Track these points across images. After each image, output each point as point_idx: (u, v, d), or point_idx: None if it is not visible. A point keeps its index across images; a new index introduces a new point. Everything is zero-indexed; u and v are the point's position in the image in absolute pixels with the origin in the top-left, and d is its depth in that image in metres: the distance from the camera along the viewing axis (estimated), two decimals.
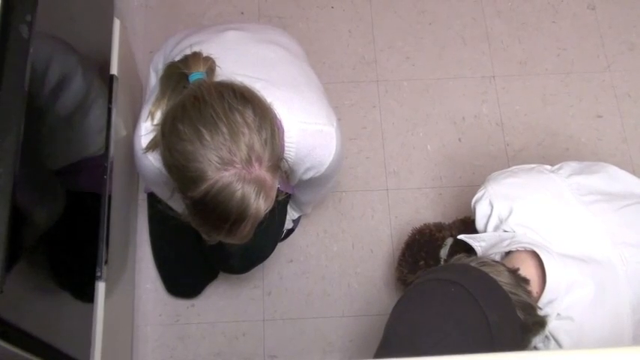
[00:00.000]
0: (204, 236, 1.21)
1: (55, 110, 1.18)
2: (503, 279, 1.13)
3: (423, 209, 1.98)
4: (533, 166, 1.42)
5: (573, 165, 1.40)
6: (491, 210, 1.32)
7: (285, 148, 1.32)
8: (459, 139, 2.07)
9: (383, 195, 2.00)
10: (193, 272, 1.84)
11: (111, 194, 1.47)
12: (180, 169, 1.10)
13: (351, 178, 2.00)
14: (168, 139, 1.13)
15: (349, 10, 2.21)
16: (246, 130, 1.08)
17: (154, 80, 1.61)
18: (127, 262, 1.75)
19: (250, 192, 1.08)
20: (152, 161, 1.30)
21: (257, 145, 1.09)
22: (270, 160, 1.11)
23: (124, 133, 1.68)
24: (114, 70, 1.59)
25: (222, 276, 1.87)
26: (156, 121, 1.24)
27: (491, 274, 1.12)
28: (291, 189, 1.70)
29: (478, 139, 2.07)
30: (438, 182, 2.01)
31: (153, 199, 1.85)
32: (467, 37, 2.20)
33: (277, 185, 1.18)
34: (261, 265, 1.88)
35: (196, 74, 1.18)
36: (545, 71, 2.17)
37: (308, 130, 1.34)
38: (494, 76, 2.16)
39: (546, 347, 1.19)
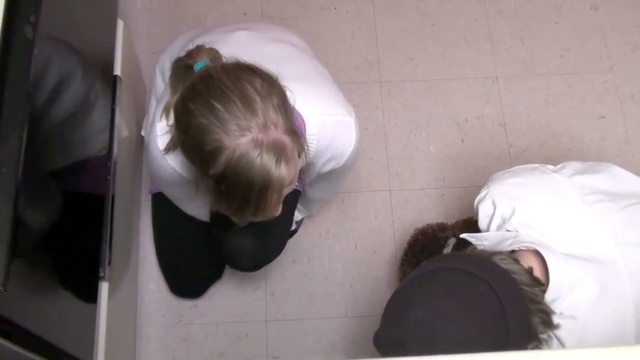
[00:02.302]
0: (236, 219, 1.21)
1: (56, 110, 1.18)
2: (523, 278, 1.14)
3: (426, 210, 1.98)
4: (535, 165, 1.42)
5: (576, 165, 1.40)
6: (494, 210, 1.32)
7: (307, 140, 1.32)
8: (462, 140, 2.07)
9: (386, 196, 2.00)
10: (197, 272, 1.85)
11: (114, 195, 1.48)
12: (198, 147, 1.10)
13: (354, 179, 2.00)
14: (181, 120, 1.13)
15: (352, 11, 2.21)
16: (257, 97, 1.08)
17: (159, 81, 1.61)
18: (130, 262, 1.75)
19: (270, 156, 1.08)
20: (170, 163, 1.30)
21: (270, 110, 1.09)
22: (286, 124, 1.11)
23: (127, 133, 1.68)
24: (117, 71, 1.59)
25: (225, 276, 1.87)
26: (171, 121, 1.25)
27: (513, 275, 1.13)
28: (301, 186, 1.71)
29: (481, 140, 2.07)
30: (440, 183, 2.01)
31: (157, 199, 1.86)
32: (470, 38, 2.20)
33: (298, 158, 1.17)
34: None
35: (201, 62, 1.19)
36: (548, 72, 2.17)
37: (328, 122, 1.35)
38: (497, 77, 2.16)
39: (549, 346, 1.19)
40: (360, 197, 1.99)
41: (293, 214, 1.76)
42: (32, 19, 1.05)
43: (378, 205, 1.99)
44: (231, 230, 1.59)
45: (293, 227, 1.87)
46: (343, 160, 1.42)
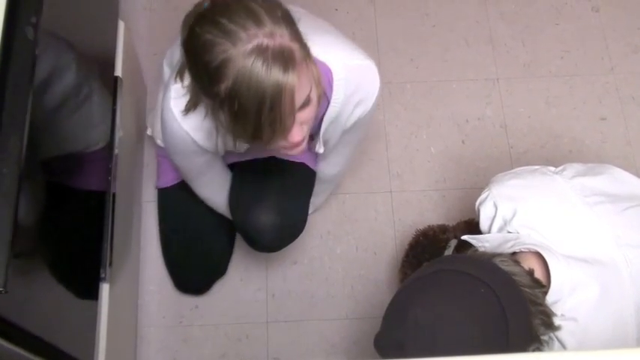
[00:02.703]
0: (256, 147, 1.19)
1: (47, 102, 1.18)
2: (524, 280, 1.14)
3: (427, 211, 1.98)
4: (536, 167, 1.42)
5: (577, 166, 1.40)
6: (496, 211, 1.32)
7: (334, 87, 1.33)
8: (463, 142, 2.07)
9: (386, 197, 2.00)
10: (202, 268, 1.85)
11: (115, 195, 1.48)
12: (206, 65, 1.09)
13: (354, 181, 2.00)
14: (189, 47, 1.13)
15: (353, 12, 2.21)
16: (261, 10, 1.08)
17: (167, 74, 1.61)
18: (131, 263, 1.75)
19: (278, 62, 1.06)
20: (182, 126, 1.31)
21: (275, 20, 1.08)
22: (292, 34, 1.10)
23: (128, 134, 1.68)
24: (118, 72, 1.59)
25: (226, 277, 1.87)
26: (186, 82, 1.24)
27: (513, 277, 1.13)
28: (314, 161, 1.71)
29: (482, 142, 2.07)
30: (441, 184, 2.01)
31: (164, 194, 1.86)
32: (470, 40, 2.21)
33: (312, 75, 1.16)
34: (264, 267, 1.89)
35: (206, 4, 1.17)
36: (549, 74, 2.17)
37: (352, 65, 1.36)
38: (497, 79, 2.16)
39: (550, 348, 1.19)
40: (360, 199, 1.99)
41: (310, 193, 1.74)
42: (33, 20, 1.05)
43: (379, 207, 1.98)
44: (252, 208, 1.59)
45: (312, 210, 1.87)
46: (370, 103, 1.43)
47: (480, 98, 2.13)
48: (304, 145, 1.24)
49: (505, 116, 2.11)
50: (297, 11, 1.37)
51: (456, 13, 2.24)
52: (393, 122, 2.08)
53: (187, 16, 1.24)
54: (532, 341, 1.13)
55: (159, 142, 1.77)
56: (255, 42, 1.05)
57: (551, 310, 1.16)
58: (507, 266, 1.15)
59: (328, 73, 1.33)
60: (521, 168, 1.44)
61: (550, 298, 1.17)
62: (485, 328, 1.06)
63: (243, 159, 1.67)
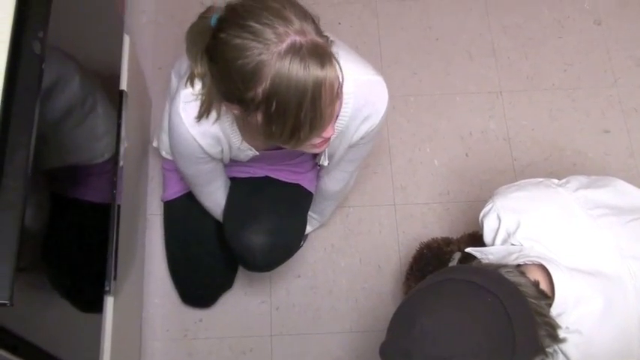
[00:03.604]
0: (290, 146, 1.18)
1: (59, 120, 1.19)
2: (530, 291, 1.14)
3: (431, 224, 1.98)
4: (540, 180, 1.42)
5: (581, 179, 1.40)
6: (499, 224, 1.32)
7: (343, 101, 1.33)
8: (466, 155, 2.08)
9: (390, 210, 2.00)
10: (208, 281, 1.85)
11: (120, 208, 1.48)
12: (239, 70, 1.08)
13: (358, 194, 2.00)
14: (216, 54, 1.12)
15: (356, 26, 2.22)
16: (283, 7, 1.08)
17: (175, 84, 1.62)
18: (135, 276, 1.76)
19: (314, 57, 1.06)
20: (190, 130, 1.31)
21: (301, 17, 1.08)
22: (318, 30, 1.10)
23: (133, 147, 1.69)
24: (123, 85, 1.60)
25: (231, 290, 1.87)
26: (197, 88, 1.24)
27: (520, 288, 1.13)
28: (313, 182, 1.72)
29: (485, 154, 2.07)
30: (445, 197, 2.01)
31: (171, 207, 1.87)
32: (473, 53, 2.21)
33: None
34: (268, 280, 1.89)
35: (215, 15, 1.17)
36: (552, 86, 2.17)
37: (361, 80, 1.36)
38: (501, 92, 2.16)
39: None
40: (364, 212, 1.99)
41: (306, 216, 1.76)
42: (40, 34, 1.06)
43: (383, 220, 1.99)
44: (244, 228, 1.59)
45: (309, 230, 1.88)
46: (378, 119, 1.42)
47: (483, 111, 2.13)
48: (333, 135, 1.24)
49: (508, 129, 2.11)
50: None
51: (459, 26, 2.25)
52: (397, 135, 2.09)
53: (192, 29, 1.24)
54: (537, 353, 1.13)
55: (164, 153, 1.77)
56: (288, 41, 1.06)
57: (556, 322, 1.16)
58: (513, 277, 1.15)
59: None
60: (525, 180, 1.44)
61: (554, 311, 1.17)
62: (492, 338, 1.06)
63: (242, 174, 1.68)
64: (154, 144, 1.88)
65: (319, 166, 1.62)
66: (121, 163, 1.50)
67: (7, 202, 0.94)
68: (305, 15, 1.10)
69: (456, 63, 2.20)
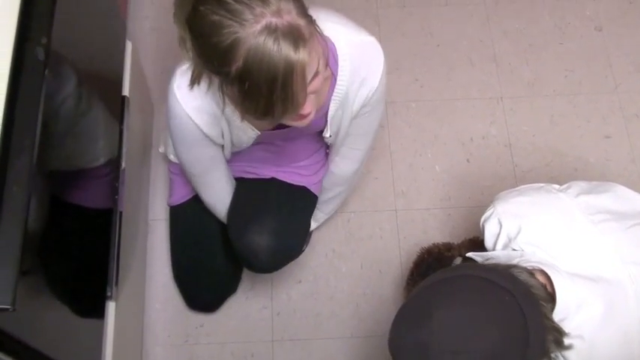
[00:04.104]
0: (267, 123, 1.17)
1: (61, 126, 1.19)
2: (540, 293, 1.14)
3: (432, 230, 1.98)
4: (541, 185, 1.42)
5: (582, 184, 1.40)
6: (500, 228, 1.32)
7: (340, 64, 1.33)
8: (468, 160, 2.08)
9: (391, 215, 2.00)
10: (213, 286, 1.85)
11: (122, 213, 1.49)
12: (215, 46, 1.08)
13: (359, 199, 2.01)
14: (194, 26, 1.12)
15: None
16: None
17: None
18: (137, 281, 1.76)
19: (288, 40, 1.06)
20: (190, 114, 1.32)
21: None
22: (298, 9, 1.09)
23: (135, 152, 1.69)
24: (126, 91, 1.61)
25: (235, 294, 1.88)
26: (188, 55, 1.23)
27: (531, 290, 1.13)
28: (318, 189, 1.71)
29: (486, 160, 2.08)
30: (446, 203, 2.02)
31: (176, 212, 1.87)
32: (474, 59, 2.22)
33: (319, 47, 1.15)
34: (269, 285, 1.89)
35: None
36: (553, 92, 2.18)
37: (355, 41, 1.36)
38: (502, 97, 2.17)
39: None
40: (365, 217, 2.00)
41: (310, 219, 1.76)
42: (44, 40, 1.07)
43: (384, 225, 1.99)
44: (248, 228, 1.59)
45: (314, 226, 1.88)
46: (376, 81, 1.41)
47: (485, 117, 2.14)
48: (313, 115, 1.23)
49: (509, 135, 2.11)
50: None
51: (460, 32, 2.26)
52: (398, 141, 2.09)
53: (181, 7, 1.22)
54: (543, 357, 1.13)
55: (172, 157, 1.77)
56: (263, 22, 1.05)
57: (562, 329, 1.16)
58: (525, 278, 1.15)
59: (332, 48, 1.34)
60: (526, 186, 1.44)
61: (556, 317, 1.17)
62: (509, 337, 1.06)
63: (248, 175, 1.68)
64: (160, 149, 1.89)
65: (327, 148, 1.60)
66: (124, 168, 1.51)
67: (10, 206, 0.94)
68: None
69: (457, 69, 2.21)
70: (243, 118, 1.18)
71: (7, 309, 0.91)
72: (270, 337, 1.85)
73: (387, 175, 2.05)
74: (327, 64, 1.23)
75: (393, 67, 2.18)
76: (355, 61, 1.36)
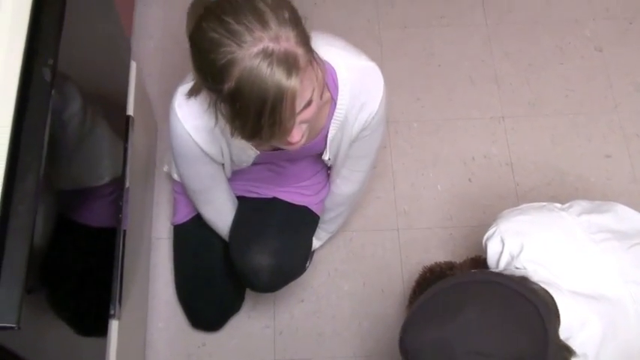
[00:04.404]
0: (252, 140, 1.18)
1: (66, 145, 1.21)
2: (554, 309, 1.15)
3: (434, 249, 1.99)
4: (543, 204, 1.43)
5: (583, 204, 1.41)
6: (503, 247, 1.33)
7: (340, 88, 1.34)
8: (469, 179, 2.09)
9: (394, 235, 2.01)
10: (217, 305, 1.85)
11: (126, 232, 1.49)
12: (211, 64, 1.09)
13: (361, 218, 2.01)
14: (195, 41, 1.13)
15: None
16: (267, 10, 1.08)
17: None
18: (140, 300, 1.76)
19: (282, 66, 1.07)
20: (190, 132, 1.33)
21: (282, 22, 1.08)
22: (298, 37, 1.10)
23: (139, 171, 1.70)
24: (130, 111, 1.62)
25: (238, 313, 1.88)
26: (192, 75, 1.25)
27: (549, 305, 1.15)
28: (319, 208, 1.72)
29: (488, 179, 2.09)
30: (448, 222, 2.02)
31: (180, 231, 1.88)
32: (476, 79, 2.24)
33: (314, 78, 1.16)
34: (272, 304, 1.89)
35: None
36: (554, 112, 2.19)
37: (356, 67, 1.37)
38: (503, 117, 2.18)
39: None
40: (367, 236, 2.00)
41: (311, 239, 1.77)
42: (50, 61, 1.08)
43: (386, 244, 1.99)
44: (249, 247, 1.60)
45: (317, 245, 1.88)
46: (375, 105, 1.41)
47: (486, 136, 2.15)
48: (303, 141, 1.24)
49: (511, 154, 2.12)
50: None
51: (461, 52, 2.28)
52: (400, 160, 2.10)
53: (194, 3, 1.23)
54: None
55: (175, 176, 1.78)
56: (260, 46, 1.06)
57: (572, 348, 1.16)
58: (542, 293, 1.16)
59: (333, 73, 1.35)
60: (528, 204, 1.45)
61: (561, 335, 1.18)
62: (532, 348, 1.08)
63: (250, 194, 1.69)
64: (165, 169, 1.90)
65: (328, 168, 1.62)
66: (127, 187, 1.52)
67: (16, 225, 0.95)
68: (290, 20, 1.10)
69: (458, 89, 2.22)
70: (233, 135, 1.19)
71: (12, 327, 0.92)
72: (273, 357, 1.85)
73: (389, 194, 2.06)
74: (322, 93, 1.24)
75: (394, 86, 2.20)
76: (355, 86, 1.37)
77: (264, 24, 1.07)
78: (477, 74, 2.24)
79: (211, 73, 1.11)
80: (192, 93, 1.30)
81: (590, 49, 2.30)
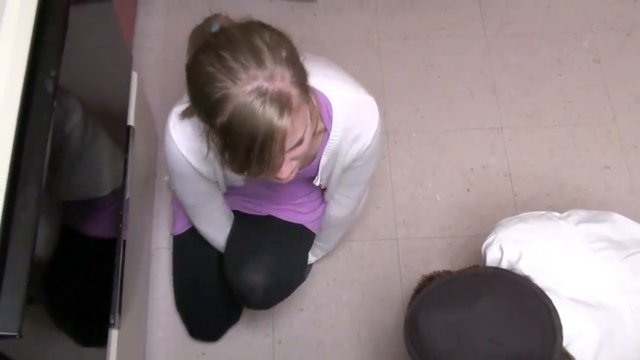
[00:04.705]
0: (241, 174, 1.18)
1: (68, 155, 1.22)
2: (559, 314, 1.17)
3: (433, 258, 1.99)
4: (542, 213, 1.44)
5: (582, 213, 1.42)
6: (502, 255, 1.34)
7: (334, 120, 1.35)
8: (468, 190, 2.10)
9: (393, 244, 2.01)
10: (216, 315, 1.86)
11: (126, 242, 1.50)
12: (206, 97, 1.10)
13: (361, 228, 2.02)
14: (191, 72, 1.14)
15: (359, 63, 2.26)
16: (265, 48, 1.09)
17: None
18: (140, 310, 1.77)
19: (274, 106, 1.07)
20: (184, 153, 1.35)
21: (278, 61, 1.09)
22: (294, 77, 1.11)
23: (140, 181, 1.71)
24: (131, 121, 1.63)
25: (238, 322, 1.88)
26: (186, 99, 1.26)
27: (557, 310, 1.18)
28: (316, 226, 1.72)
29: (486, 190, 2.10)
30: (447, 232, 2.03)
31: (179, 242, 1.89)
32: (474, 90, 2.25)
33: (308, 116, 1.17)
34: (271, 313, 1.90)
35: (217, 25, 1.19)
36: (552, 123, 2.20)
37: (351, 100, 1.37)
38: (501, 128, 2.19)
39: None
40: (367, 246, 2.01)
41: (307, 255, 1.78)
42: (53, 73, 1.09)
43: (385, 254, 2.00)
44: (244, 265, 1.60)
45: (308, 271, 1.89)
46: (369, 139, 1.42)
47: (485, 147, 2.16)
48: (292, 176, 1.25)
49: (509, 165, 2.13)
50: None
51: (461, 64, 2.29)
52: (399, 170, 2.11)
53: (195, 31, 1.26)
54: None
55: None
56: (254, 84, 1.07)
57: (572, 355, 1.17)
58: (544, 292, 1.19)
59: (328, 105, 1.35)
60: (527, 213, 1.46)
61: None
62: (541, 348, 1.10)
63: (246, 210, 1.70)
64: (165, 179, 1.91)
65: (323, 192, 1.63)
66: (128, 196, 1.53)
67: (18, 235, 0.96)
68: (287, 59, 1.11)
69: (457, 100, 2.23)
70: (222, 166, 1.21)
71: (14, 336, 0.92)
72: None
73: (389, 204, 2.07)
74: (315, 130, 1.24)
75: (394, 97, 2.21)
76: (349, 120, 1.38)
77: (259, 62, 1.08)
78: (476, 85, 2.26)
79: (205, 106, 1.12)
80: (187, 115, 1.31)
81: (588, 60, 2.31)
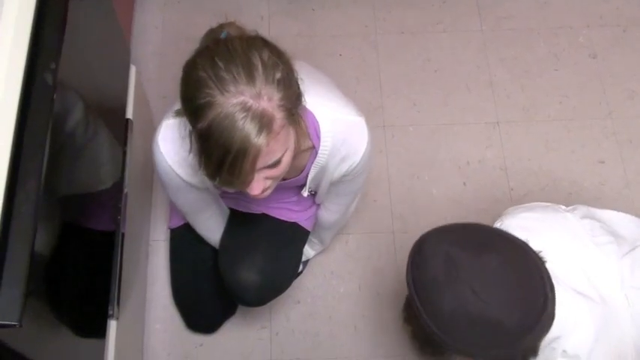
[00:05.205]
0: (214, 182, 1.19)
1: (67, 149, 1.22)
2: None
3: None
4: (548, 204, 1.45)
5: (585, 208, 1.43)
6: None
7: (322, 139, 1.35)
8: (464, 184, 2.11)
9: (389, 238, 2.03)
10: (213, 308, 1.87)
11: (124, 235, 1.51)
12: (192, 99, 1.11)
13: (357, 221, 2.03)
14: (186, 72, 1.15)
15: (356, 58, 2.27)
16: (260, 66, 1.09)
17: None
18: (138, 301, 1.78)
19: (254, 124, 1.08)
20: (172, 165, 1.36)
21: (269, 82, 1.09)
22: (282, 100, 1.11)
23: (137, 174, 1.72)
24: (129, 114, 1.64)
25: (235, 314, 1.90)
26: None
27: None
28: (309, 225, 1.74)
29: (482, 184, 2.11)
30: None
31: (176, 235, 1.90)
32: (471, 84, 2.26)
33: (291, 141, 1.18)
34: (268, 305, 1.90)
35: (224, 32, 1.20)
36: (548, 118, 2.22)
37: (341, 120, 1.37)
38: (498, 122, 2.20)
39: None
40: (363, 239, 2.02)
41: (301, 253, 1.79)
42: (52, 66, 1.10)
43: (382, 247, 2.01)
44: (238, 264, 1.62)
45: (301, 268, 1.90)
46: (357, 159, 1.42)
47: (481, 141, 2.17)
48: (267, 194, 1.25)
49: (505, 159, 2.15)
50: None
51: (457, 58, 2.30)
52: (396, 164, 2.13)
53: (208, 33, 1.26)
54: (530, 354, 1.17)
55: None
56: (240, 98, 1.07)
57: (537, 353, 1.20)
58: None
59: (316, 124, 1.35)
60: (534, 203, 1.47)
61: (553, 333, 1.19)
62: (522, 320, 1.12)
63: (240, 208, 1.71)
64: None
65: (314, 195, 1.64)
66: (126, 190, 1.54)
67: (18, 228, 0.97)
68: (280, 82, 1.11)
69: (454, 94, 2.24)
70: (199, 168, 1.22)
71: (14, 325, 0.93)
72: (269, 357, 1.86)
73: (385, 197, 2.08)
74: (299, 149, 1.26)
75: (391, 92, 2.22)
76: (338, 140, 1.38)
77: (250, 79, 1.08)
78: (473, 80, 2.27)
79: (190, 107, 1.13)
80: (180, 113, 1.31)
81: (584, 55, 2.32)
